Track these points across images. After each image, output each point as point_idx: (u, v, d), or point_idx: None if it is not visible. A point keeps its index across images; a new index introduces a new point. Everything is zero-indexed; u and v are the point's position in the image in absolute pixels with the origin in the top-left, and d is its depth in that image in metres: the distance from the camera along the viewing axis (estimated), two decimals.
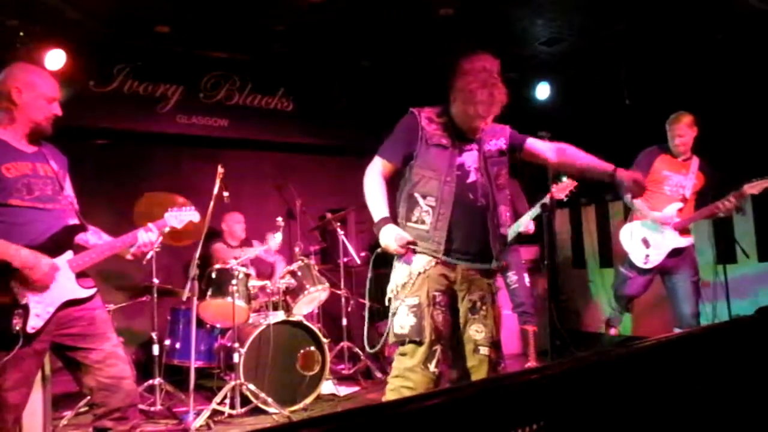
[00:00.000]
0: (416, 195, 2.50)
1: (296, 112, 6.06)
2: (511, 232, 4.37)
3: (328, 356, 4.25)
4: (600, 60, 5.57)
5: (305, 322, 4.25)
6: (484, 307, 2.53)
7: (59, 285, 2.30)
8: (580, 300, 6.53)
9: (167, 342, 4.49)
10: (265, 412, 3.87)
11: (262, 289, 4.43)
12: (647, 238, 4.03)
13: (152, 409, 3.95)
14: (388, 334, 2.55)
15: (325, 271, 5.03)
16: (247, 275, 4.28)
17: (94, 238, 2.55)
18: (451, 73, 2.51)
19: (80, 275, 2.39)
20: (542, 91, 6.03)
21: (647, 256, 4.01)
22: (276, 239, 4.40)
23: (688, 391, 1.34)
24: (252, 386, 3.82)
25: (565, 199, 4.18)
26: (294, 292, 4.40)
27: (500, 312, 2.67)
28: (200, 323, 4.28)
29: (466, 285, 2.52)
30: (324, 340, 4.26)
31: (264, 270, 5.29)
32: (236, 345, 3.89)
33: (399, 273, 2.52)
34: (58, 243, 2.35)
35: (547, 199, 4.01)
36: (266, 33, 5.11)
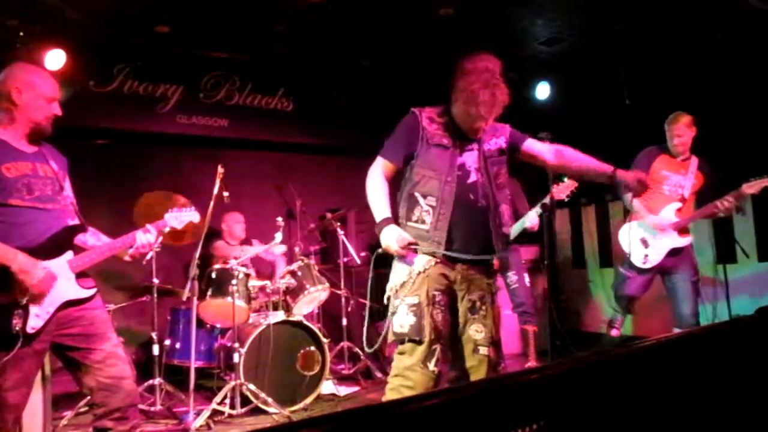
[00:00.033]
0: (417, 195, 2.51)
1: (296, 112, 6.06)
2: (516, 228, 4.38)
3: (328, 356, 4.25)
4: (600, 60, 5.57)
5: (305, 322, 4.25)
6: (483, 307, 2.53)
7: (59, 285, 2.30)
8: (580, 300, 6.53)
9: (167, 342, 4.49)
10: (265, 412, 3.87)
11: (262, 289, 4.43)
12: (646, 237, 4.03)
13: (152, 409, 3.95)
14: (386, 332, 2.55)
15: (325, 271, 5.03)
16: (247, 275, 4.28)
17: (93, 239, 2.55)
18: (453, 73, 2.51)
19: (80, 275, 2.39)
20: (542, 91, 6.04)
21: (646, 255, 4.01)
22: (277, 239, 4.40)
23: (688, 391, 1.34)
24: (252, 386, 3.82)
25: (566, 200, 4.18)
26: (294, 292, 4.40)
27: (500, 312, 2.67)
28: (200, 323, 4.28)
29: (465, 285, 2.52)
30: (324, 340, 4.26)
31: (264, 269, 5.29)
32: (236, 345, 3.89)
33: (399, 272, 2.53)
34: (58, 243, 2.35)
35: (547, 200, 4.01)
36: (266, 33, 5.11)
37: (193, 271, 3.64)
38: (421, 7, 4.70)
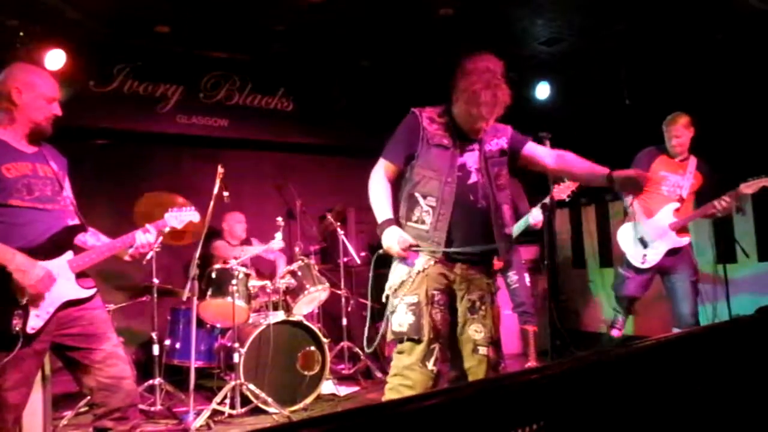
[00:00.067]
0: (417, 195, 2.51)
1: (296, 112, 6.06)
2: (520, 225, 4.38)
3: (328, 356, 4.25)
4: (600, 60, 5.57)
5: (305, 322, 4.25)
6: (483, 307, 2.53)
7: (59, 285, 2.30)
8: (580, 300, 6.53)
9: (167, 342, 4.49)
10: (265, 412, 3.87)
11: (262, 288, 4.43)
12: (644, 238, 4.03)
13: (152, 409, 3.95)
14: (385, 332, 2.55)
15: (325, 271, 5.03)
16: (247, 275, 4.28)
17: (93, 239, 2.55)
18: (454, 73, 2.51)
19: (80, 275, 2.39)
20: (542, 91, 6.04)
21: (644, 255, 4.02)
22: (277, 239, 4.40)
23: (688, 391, 1.34)
24: (252, 386, 3.82)
25: (567, 200, 4.18)
26: (294, 292, 4.40)
27: (500, 311, 2.67)
28: (200, 323, 4.28)
29: (465, 284, 2.52)
30: (324, 339, 4.26)
31: (264, 269, 5.29)
32: (236, 345, 3.89)
33: (398, 271, 2.53)
34: (58, 243, 2.35)
35: (547, 200, 4.01)
36: (266, 33, 5.11)
37: (193, 271, 3.64)
38: (421, 7, 4.70)
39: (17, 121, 2.36)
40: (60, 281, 2.31)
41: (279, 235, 4.38)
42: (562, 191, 4.14)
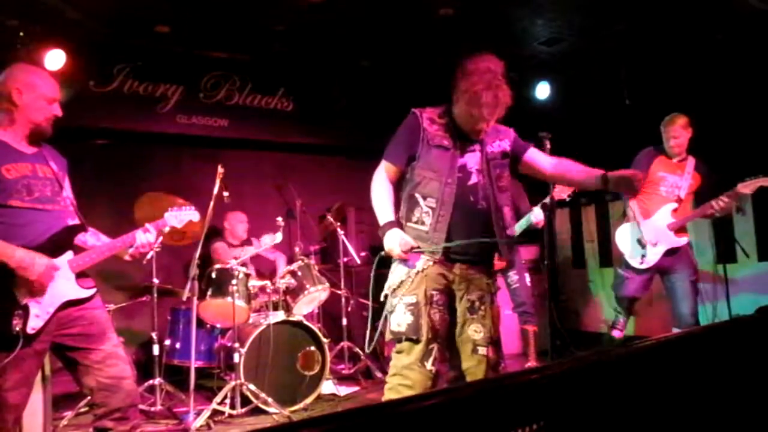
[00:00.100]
0: (417, 196, 2.51)
1: (296, 112, 6.06)
2: (522, 224, 4.38)
3: (329, 356, 4.25)
4: (600, 60, 5.57)
5: (305, 322, 4.25)
6: (483, 307, 2.53)
7: (59, 285, 2.31)
8: (580, 300, 6.53)
9: (167, 342, 4.49)
10: (265, 412, 3.87)
11: (262, 288, 4.43)
12: (642, 238, 4.04)
13: (152, 409, 3.95)
14: (383, 331, 2.55)
15: (325, 271, 5.03)
16: (247, 275, 4.28)
17: (93, 239, 2.55)
18: (454, 73, 2.50)
19: (80, 275, 2.39)
20: (542, 91, 6.04)
21: (643, 256, 4.02)
22: (276, 238, 4.40)
23: (688, 391, 1.34)
24: (252, 386, 3.82)
25: (567, 200, 4.19)
26: (294, 292, 4.40)
27: (500, 311, 2.67)
28: (200, 323, 4.28)
29: (464, 285, 2.52)
30: (324, 339, 4.26)
31: (264, 269, 5.29)
32: (236, 345, 3.89)
33: (397, 271, 2.53)
34: (58, 243, 2.35)
35: (547, 200, 4.01)
36: (266, 33, 5.11)
37: (193, 271, 3.64)
38: (421, 7, 4.70)
39: (17, 121, 2.36)
40: (60, 281, 2.31)
41: (279, 236, 4.36)
42: (562, 191, 4.14)
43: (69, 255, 2.37)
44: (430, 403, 0.93)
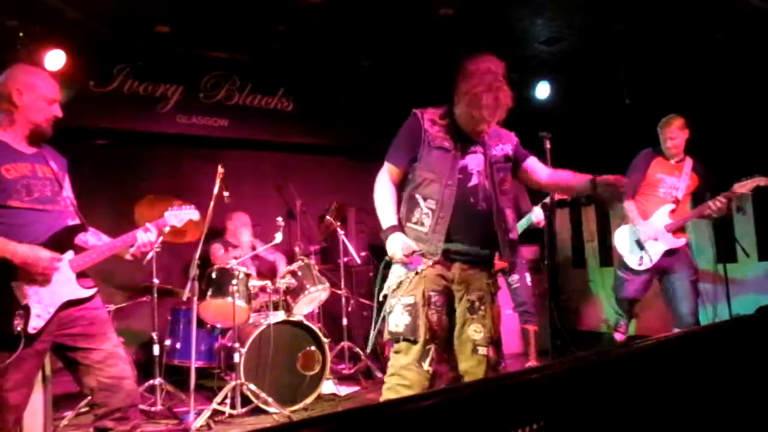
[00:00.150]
0: (417, 197, 2.51)
1: (296, 112, 6.05)
2: (522, 224, 4.38)
3: (329, 356, 4.25)
4: (600, 60, 5.57)
5: (306, 322, 4.25)
6: (483, 307, 2.53)
7: (60, 285, 2.31)
8: (580, 300, 6.53)
9: (168, 342, 4.49)
10: (265, 412, 3.87)
11: (263, 288, 4.43)
12: (641, 239, 4.04)
13: (153, 409, 3.95)
14: (381, 331, 2.56)
15: (326, 271, 5.03)
16: (248, 275, 4.28)
17: (94, 239, 2.55)
18: (455, 74, 2.50)
19: (80, 275, 2.39)
20: (542, 90, 6.04)
21: (641, 257, 4.03)
22: (277, 239, 4.40)
23: (689, 390, 1.34)
24: (252, 386, 3.82)
25: (568, 200, 4.19)
26: (294, 292, 4.40)
27: (500, 311, 2.67)
28: (200, 323, 4.28)
29: (464, 285, 2.52)
30: (324, 339, 4.26)
31: (264, 269, 5.29)
32: (237, 345, 3.89)
33: (397, 272, 2.53)
34: (59, 243, 2.35)
35: (547, 199, 4.01)
36: (266, 33, 5.11)
37: (193, 271, 3.64)
38: (421, 7, 4.70)
39: (17, 122, 2.36)
40: (61, 281, 2.31)
41: (279, 236, 4.34)
42: None
43: (69, 255, 2.37)
44: (431, 403, 0.93)
